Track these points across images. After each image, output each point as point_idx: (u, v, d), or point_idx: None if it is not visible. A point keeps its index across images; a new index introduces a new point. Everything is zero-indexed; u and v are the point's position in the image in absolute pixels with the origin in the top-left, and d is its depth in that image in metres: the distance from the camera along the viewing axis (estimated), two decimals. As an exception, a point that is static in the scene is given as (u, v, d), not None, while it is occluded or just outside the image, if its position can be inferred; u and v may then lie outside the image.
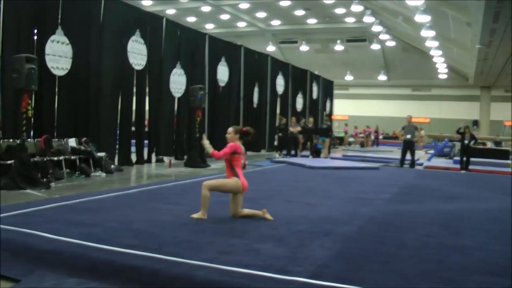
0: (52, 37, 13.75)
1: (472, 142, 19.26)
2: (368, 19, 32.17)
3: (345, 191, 11.67)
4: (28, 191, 10.73)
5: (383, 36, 37.00)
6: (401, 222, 8.08)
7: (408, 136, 19.05)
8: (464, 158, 19.13)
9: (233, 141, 7.93)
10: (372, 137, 41.35)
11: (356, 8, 30.90)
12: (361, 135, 41.51)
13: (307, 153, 23.86)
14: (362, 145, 39.37)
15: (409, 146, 19.32)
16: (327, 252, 5.90)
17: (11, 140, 12.32)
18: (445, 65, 41.02)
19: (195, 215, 7.65)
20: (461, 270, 5.47)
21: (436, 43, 30.82)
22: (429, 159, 23.11)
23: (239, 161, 7.95)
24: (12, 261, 5.48)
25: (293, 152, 23.60)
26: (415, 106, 46.46)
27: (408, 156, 19.46)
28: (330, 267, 5.34)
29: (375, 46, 41.59)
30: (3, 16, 12.46)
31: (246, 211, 7.97)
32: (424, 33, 27.01)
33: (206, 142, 8.13)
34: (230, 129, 8.13)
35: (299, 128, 23.14)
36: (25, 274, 5.15)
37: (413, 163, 19.53)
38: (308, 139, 23.62)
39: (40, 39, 13.74)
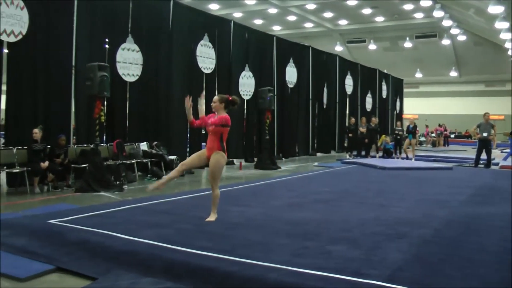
0: (123, 45, 14.10)
1: None
2: (437, 13, 31.34)
3: (418, 193, 11.30)
4: (102, 193, 11.00)
5: (454, 31, 35.94)
6: (479, 225, 7.70)
7: (484, 134, 18.32)
8: None
9: (219, 111, 7.53)
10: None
11: (425, 3, 30.25)
12: (432, 134, 40.53)
13: (374, 154, 23.54)
14: (434, 144, 38.41)
15: (485, 145, 18.60)
16: (402, 256, 5.72)
17: (85, 144, 12.66)
18: (520, 57, 39.62)
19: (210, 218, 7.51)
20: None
21: (510, 35, 29.77)
22: (505, 159, 22.23)
23: (227, 134, 7.57)
24: (89, 260, 5.60)
25: (363, 153, 23.27)
26: (488, 103, 44.73)
27: (484, 156, 18.78)
28: (406, 271, 5.17)
29: (446, 41, 40.55)
30: (76, 27, 12.83)
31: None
32: (498, 25, 26.07)
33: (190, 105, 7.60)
34: (216, 98, 7.64)
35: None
36: (102, 273, 5.26)
37: (489, 163, 18.76)
38: (371, 140, 23.18)
39: (111, 48, 14.10)
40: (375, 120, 23.87)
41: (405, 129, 23.25)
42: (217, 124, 7.38)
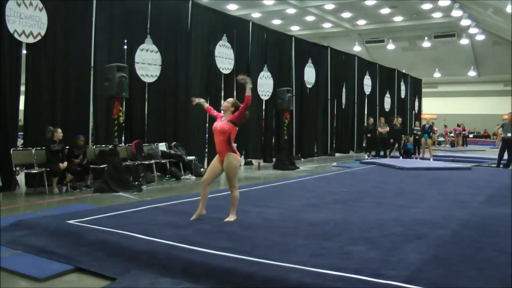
0: (141, 46, 14.15)
1: None
2: (456, 13, 31.10)
3: (437, 193, 11.21)
4: (121, 193, 11.03)
5: (473, 30, 35.69)
6: (499, 226, 7.56)
7: (509, 135, 18.06)
8: None
9: (226, 113, 7.51)
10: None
11: (444, 2, 30.04)
12: (451, 134, 40.25)
13: (395, 154, 23.41)
14: (453, 144, 38.14)
15: (508, 145, 18.39)
16: (421, 256, 5.66)
17: (103, 145, 12.70)
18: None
19: (229, 219, 7.51)
20: None
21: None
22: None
23: (234, 134, 7.51)
24: (108, 261, 5.60)
25: (382, 153, 23.16)
26: (507, 102, 44.20)
27: (506, 156, 18.53)
28: (425, 272, 5.11)
29: (464, 41, 40.11)
30: (95, 28, 12.90)
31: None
32: (517, 24, 25.84)
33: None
34: (231, 100, 7.68)
35: (387, 129, 22.69)
36: (121, 273, 5.25)
37: (509, 162, 18.58)
38: (396, 140, 23.07)
39: (130, 48, 14.15)
40: (399, 120, 23.75)
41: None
42: (230, 119, 7.35)
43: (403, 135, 24.66)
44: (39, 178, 11.20)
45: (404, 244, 6.23)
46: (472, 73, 46.40)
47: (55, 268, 5.49)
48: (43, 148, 11.27)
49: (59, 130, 11.21)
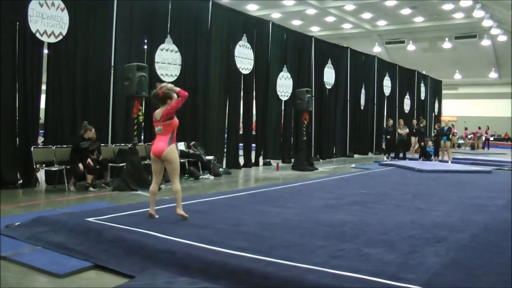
0: (162, 46, 14.21)
1: None
2: (477, 13, 30.86)
3: (456, 196, 11.10)
4: (139, 192, 11.06)
5: (494, 31, 35.31)
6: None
7: None
8: None
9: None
10: (483, 138, 39.55)
11: (465, 3, 29.81)
12: (470, 136, 39.99)
13: (411, 156, 23.28)
14: (473, 147, 37.90)
15: None
16: (440, 260, 5.61)
17: (122, 144, 12.76)
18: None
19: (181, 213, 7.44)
20: None
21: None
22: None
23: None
24: (127, 258, 5.63)
25: (401, 155, 23.06)
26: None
27: None
28: (444, 275, 5.07)
29: (485, 42, 39.75)
30: (115, 28, 12.98)
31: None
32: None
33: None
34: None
35: (407, 130, 22.62)
36: (139, 271, 5.28)
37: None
38: (422, 142, 22.95)
39: (150, 48, 14.20)
40: (423, 122, 23.66)
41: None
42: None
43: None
44: (59, 176, 11.30)
45: (423, 247, 6.20)
46: (493, 75, 45.97)
47: (74, 264, 5.53)
48: (63, 146, 11.37)
49: (93, 130, 11.33)
